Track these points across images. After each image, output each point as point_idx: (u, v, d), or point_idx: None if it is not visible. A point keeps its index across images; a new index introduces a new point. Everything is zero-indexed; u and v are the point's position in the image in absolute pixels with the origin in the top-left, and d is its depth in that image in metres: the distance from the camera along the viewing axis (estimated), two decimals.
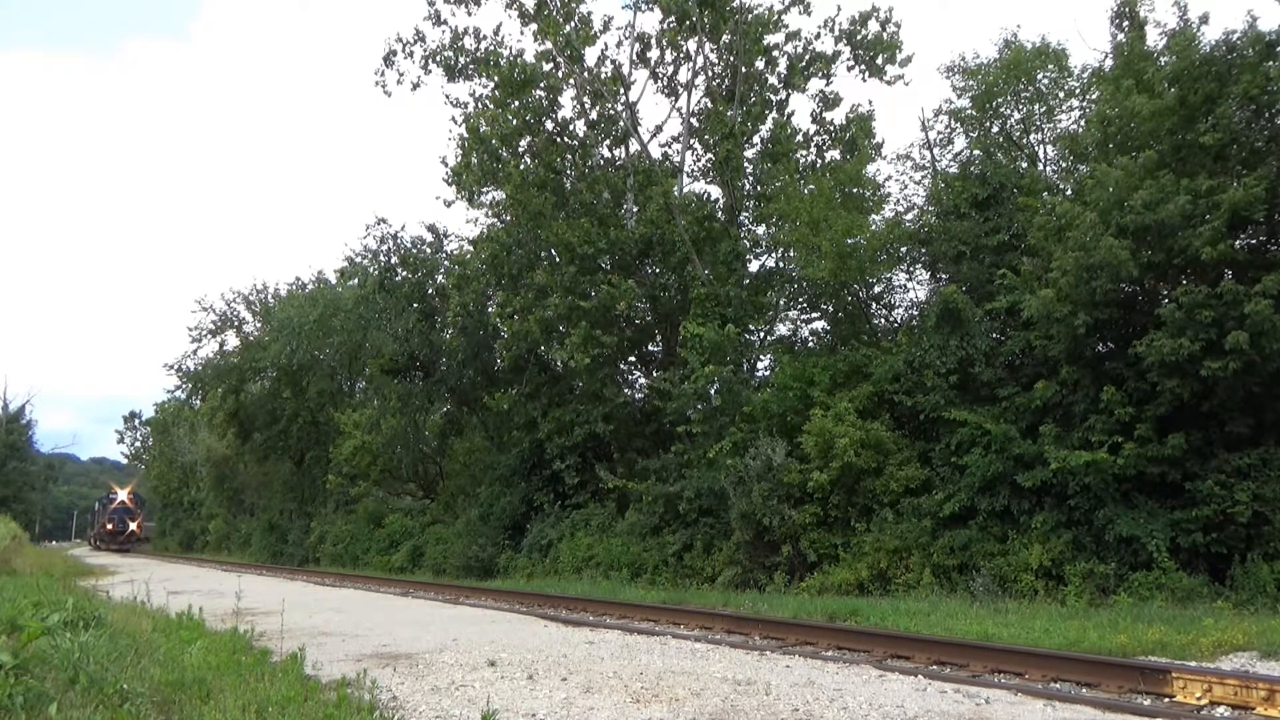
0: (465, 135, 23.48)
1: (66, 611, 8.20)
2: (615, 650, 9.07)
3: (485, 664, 8.09)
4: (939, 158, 19.36)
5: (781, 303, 22.45)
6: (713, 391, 18.53)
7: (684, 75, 24.54)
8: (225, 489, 52.81)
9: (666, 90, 25.06)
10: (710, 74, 23.96)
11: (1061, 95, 17.89)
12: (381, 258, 29.02)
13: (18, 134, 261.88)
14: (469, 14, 24.24)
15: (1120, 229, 12.82)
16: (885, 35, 23.05)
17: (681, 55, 24.46)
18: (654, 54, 24.61)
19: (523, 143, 23.65)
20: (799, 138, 23.90)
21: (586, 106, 24.10)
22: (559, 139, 24.28)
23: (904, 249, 18.30)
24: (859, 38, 23.20)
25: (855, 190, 19.17)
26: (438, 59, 24.19)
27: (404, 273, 28.96)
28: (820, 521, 15.79)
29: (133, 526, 62.80)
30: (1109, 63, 15.97)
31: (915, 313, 18.87)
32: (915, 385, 15.80)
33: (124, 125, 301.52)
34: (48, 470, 74.71)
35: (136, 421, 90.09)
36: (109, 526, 62.07)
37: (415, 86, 24.72)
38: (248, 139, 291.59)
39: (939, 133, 19.26)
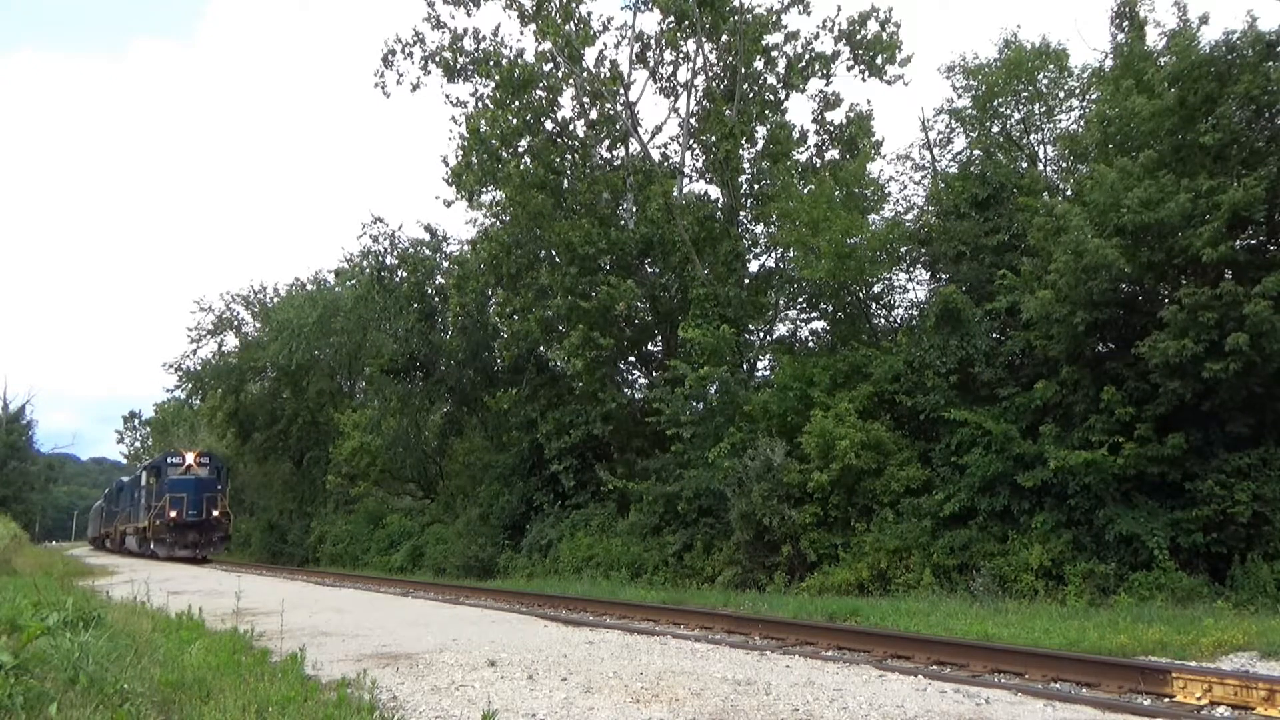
0: (465, 135, 23.48)
1: (66, 611, 8.19)
2: (615, 650, 9.06)
3: (485, 664, 8.09)
4: (939, 158, 19.40)
5: (781, 303, 22.47)
6: (712, 390, 18.52)
7: (683, 75, 24.59)
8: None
9: (666, 90, 25.09)
10: (709, 74, 23.97)
11: (1061, 95, 17.90)
12: (374, 257, 29.02)
13: (20, 134, 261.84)
14: (468, 15, 24.27)
15: (1117, 229, 12.82)
16: (885, 35, 23.06)
17: (681, 55, 24.49)
18: (653, 54, 24.63)
19: (522, 143, 23.65)
20: (796, 135, 23.92)
21: (586, 106, 24.11)
22: (559, 139, 24.29)
23: (904, 249, 18.31)
24: (858, 38, 23.21)
25: (855, 190, 19.18)
26: (437, 60, 24.20)
27: (403, 273, 28.98)
28: (820, 521, 15.79)
29: (216, 511, 37.30)
30: (1109, 63, 15.98)
31: (915, 313, 18.88)
32: (915, 385, 15.81)
33: (126, 125, 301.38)
34: (48, 470, 74.44)
35: (136, 421, 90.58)
36: (173, 514, 35.71)
37: (415, 87, 24.74)
38: (248, 139, 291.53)
39: (939, 133, 19.30)
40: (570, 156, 24.30)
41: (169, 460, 38.41)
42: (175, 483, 36.76)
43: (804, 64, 23.52)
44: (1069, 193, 16.27)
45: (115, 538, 48.29)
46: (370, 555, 30.92)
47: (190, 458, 38.14)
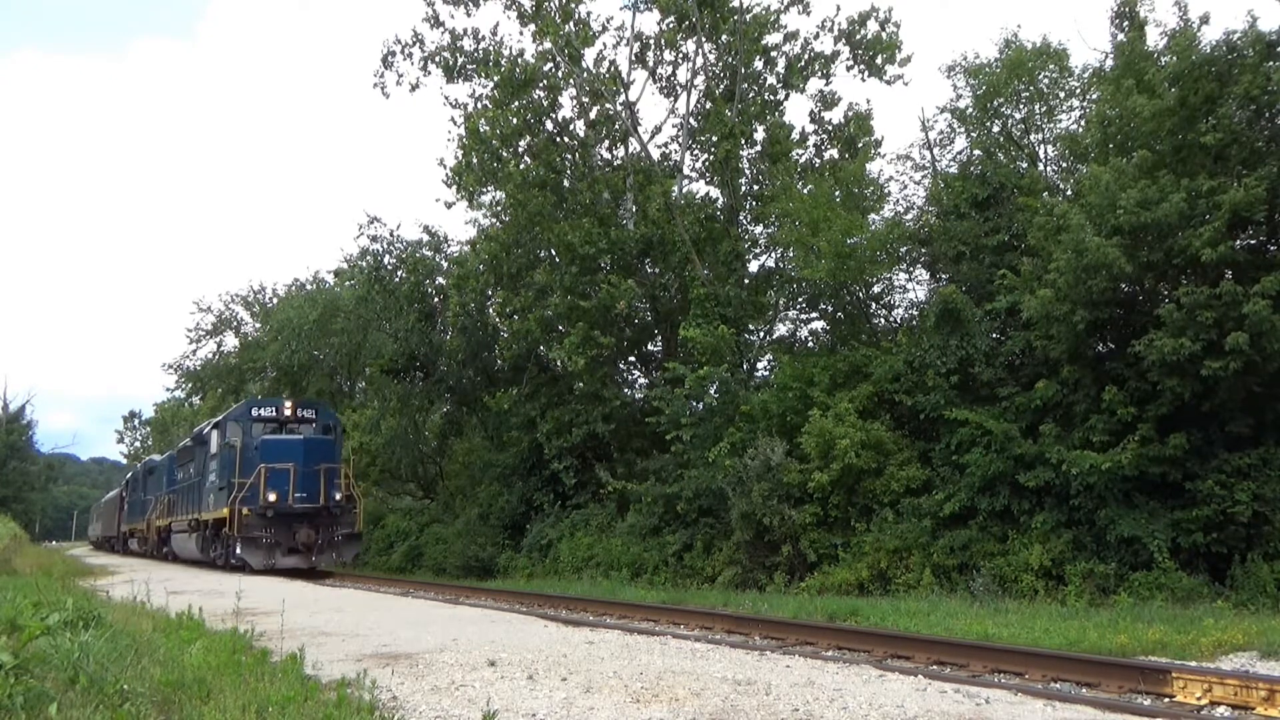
0: (465, 135, 23.51)
1: (66, 611, 8.18)
2: (615, 650, 9.05)
3: (485, 664, 8.08)
4: (939, 158, 19.40)
5: (781, 303, 22.47)
6: (711, 390, 18.52)
7: (683, 75, 24.63)
8: None
9: (666, 90, 25.12)
10: (709, 74, 23.98)
11: (1062, 95, 17.89)
12: (372, 257, 29.01)
13: (21, 134, 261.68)
14: (468, 15, 24.36)
15: (1115, 229, 12.83)
16: (884, 35, 23.08)
17: (680, 55, 24.51)
18: (653, 54, 24.65)
19: (522, 143, 23.68)
20: (796, 136, 23.93)
21: (586, 106, 24.12)
22: (559, 139, 24.31)
23: (904, 249, 18.31)
24: (858, 38, 23.24)
25: (855, 190, 19.18)
26: (436, 60, 24.22)
27: (402, 273, 28.99)
28: (820, 521, 15.79)
29: (337, 494, 21.70)
30: (1109, 63, 15.98)
31: (915, 313, 18.89)
32: (915, 385, 15.80)
33: (127, 125, 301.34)
34: (48, 470, 74.45)
35: (136, 421, 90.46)
36: (271, 497, 20.59)
37: (414, 88, 24.80)
38: (248, 139, 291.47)
39: (939, 133, 19.30)
40: (570, 156, 24.31)
41: (254, 412, 22.96)
42: (271, 446, 21.65)
43: (804, 64, 23.54)
44: (1069, 193, 16.26)
45: (147, 537, 34.01)
46: (369, 555, 30.91)
47: (288, 408, 23.29)
